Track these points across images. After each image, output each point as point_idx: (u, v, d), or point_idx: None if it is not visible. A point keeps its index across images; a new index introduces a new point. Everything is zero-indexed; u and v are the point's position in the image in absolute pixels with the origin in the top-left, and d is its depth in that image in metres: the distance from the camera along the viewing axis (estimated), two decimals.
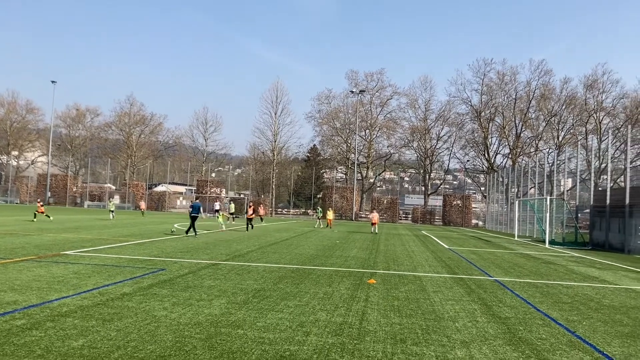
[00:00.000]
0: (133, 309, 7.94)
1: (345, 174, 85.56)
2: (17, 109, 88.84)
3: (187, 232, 24.38)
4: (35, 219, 30.83)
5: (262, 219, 49.36)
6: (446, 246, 25.71)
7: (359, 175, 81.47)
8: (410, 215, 75.02)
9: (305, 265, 14.73)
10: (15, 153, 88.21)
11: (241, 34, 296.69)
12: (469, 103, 78.18)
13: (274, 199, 77.04)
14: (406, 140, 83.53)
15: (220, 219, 30.87)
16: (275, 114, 78.03)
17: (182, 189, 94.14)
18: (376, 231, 34.61)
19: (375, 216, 35.75)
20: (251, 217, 31.60)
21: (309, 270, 13.53)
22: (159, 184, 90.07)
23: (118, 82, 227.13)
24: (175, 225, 30.98)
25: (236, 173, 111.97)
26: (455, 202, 68.45)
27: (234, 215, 44.83)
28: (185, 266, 13.22)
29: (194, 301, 8.80)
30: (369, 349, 6.46)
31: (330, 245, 22.14)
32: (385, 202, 70.28)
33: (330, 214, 40.70)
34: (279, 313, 8.19)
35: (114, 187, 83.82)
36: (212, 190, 70.62)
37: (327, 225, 41.05)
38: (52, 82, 72.41)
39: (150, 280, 10.68)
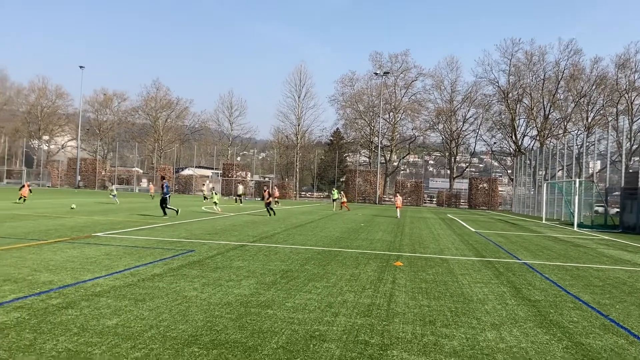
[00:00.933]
0: (164, 290, 8.09)
1: (369, 158, 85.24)
2: (47, 94, 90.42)
3: (164, 212, 24.18)
4: (20, 201, 29.87)
5: (277, 202, 48.60)
6: (473, 229, 25.52)
7: (383, 158, 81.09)
8: (435, 199, 74.55)
9: (331, 247, 14.79)
10: (46, 138, 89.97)
11: (263, 17, 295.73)
12: (496, 84, 77.02)
13: (297, 183, 77.30)
14: (431, 123, 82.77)
15: (215, 199, 29.71)
16: (298, 98, 78.04)
17: (208, 172, 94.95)
18: (398, 216, 33.31)
19: (399, 200, 34.81)
20: (269, 202, 29.60)
21: (335, 252, 13.59)
22: (185, 168, 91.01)
23: (144, 67, 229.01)
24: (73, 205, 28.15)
25: (260, 157, 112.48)
26: (481, 185, 67.74)
27: (241, 198, 44.79)
28: (213, 247, 13.38)
29: (223, 282, 8.91)
30: (398, 330, 6.47)
31: (355, 228, 22.16)
32: (409, 185, 69.92)
33: (335, 194, 40.83)
34: (307, 294, 8.26)
35: (141, 171, 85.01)
36: (237, 173, 71.11)
37: (341, 208, 40.62)
38: (80, 67, 73.42)
39: (179, 262, 10.84)
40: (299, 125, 78.84)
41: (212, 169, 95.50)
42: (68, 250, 11.67)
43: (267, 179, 75.46)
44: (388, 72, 77.80)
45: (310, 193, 79.30)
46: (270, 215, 28.10)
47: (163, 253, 12.01)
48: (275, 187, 53.18)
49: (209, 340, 5.66)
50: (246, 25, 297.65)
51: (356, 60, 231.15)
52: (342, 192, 42.15)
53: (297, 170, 78.40)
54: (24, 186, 31.30)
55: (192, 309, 6.98)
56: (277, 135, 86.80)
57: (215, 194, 30.77)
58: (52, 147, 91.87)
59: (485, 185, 67.76)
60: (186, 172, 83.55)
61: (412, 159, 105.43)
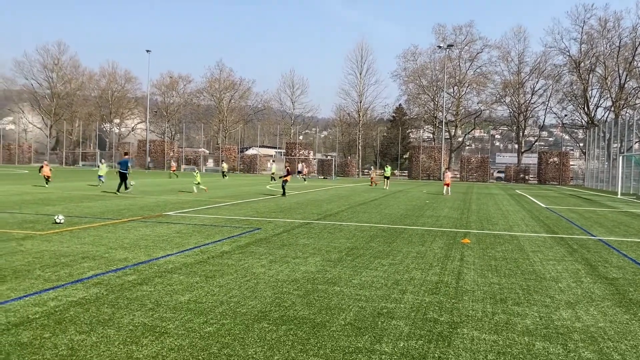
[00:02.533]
0: (233, 266, 8.26)
1: (433, 133, 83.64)
2: (117, 79, 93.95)
3: (117, 189, 23.39)
4: (47, 185, 27.49)
5: (305, 179, 47.60)
6: (543, 205, 24.63)
7: (447, 134, 79.33)
8: (502, 174, 72.42)
9: (396, 224, 14.65)
10: (117, 121, 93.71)
11: None
12: (567, 53, 73.26)
13: (360, 160, 77.03)
14: (498, 96, 80.00)
15: (197, 178, 26.71)
16: (360, 74, 77.32)
17: (272, 151, 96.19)
18: (449, 193, 30.47)
19: (448, 176, 32.07)
20: (286, 179, 26.12)
21: (400, 230, 13.46)
22: (250, 147, 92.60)
23: (207, 49, 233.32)
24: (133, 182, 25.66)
25: (322, 135, 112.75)
26: (551, 160, 65.18)
27: (273, 177, 44.70)
28: (279, 225, 13.56)
29: (290, 259, 9.01)
30: (468, 308, 6.33)
31: (420, 205, 21.86)
32: (474, 161, 68.21)
33: (387, 171, 37.63)
34: (373, 271, 8.22)
35: (207, 152, 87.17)
36: (300, 152, 71.65)
37: (371, 184, 40.42)
38: (147, 51, 75.55)
39: (247, 239, 11.05)
40: (360, 102, 78.27)
41: (276, 148, 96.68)
42: (141, 229, 12.14)
43: (329, 157, 75.60)
44: (452, 45, 75.64)
45: (367, 170, 78.89)
46: (284, 195, 24.95)
47: (231, 231, 12.28)
48: (303, 164, 53.05)
49: (277, 316, 5.73)
50: (307, 2, 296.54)
51: (419, 34, 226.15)
52: (372, 168, 41.14)
53: (360, 147, 78.07)
54: (42, 167, 28.69)
55: (260, 285, 7.10)
56: (338, 112, 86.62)
57: (196, 173, 27.53)
58: (122, 129, 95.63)
59: (555, 159, 65.15)
60: (250, 151, 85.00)
61: (477, 134, 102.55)
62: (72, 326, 5.21)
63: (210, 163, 78.18)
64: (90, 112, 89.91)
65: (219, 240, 10.76)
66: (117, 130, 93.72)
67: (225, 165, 49.04)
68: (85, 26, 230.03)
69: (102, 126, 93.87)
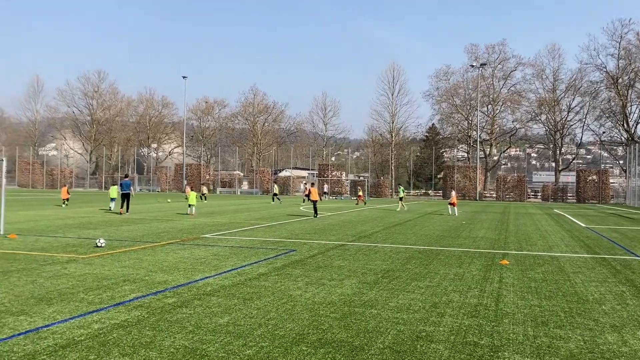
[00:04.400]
0: (270, 289, 8.32)
1: (467, 153, 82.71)
2: (154, 104, 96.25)
3: (126, 210, 25.25)
4: (64, 205, 31.26)
5: (321, 198, 46.65)
6: (583, 225, 24.03)
7: (482, 153, 78.39)
8: (539, 193, 70.94)
9: (432, 246, 14.52)
10: (154, 145, 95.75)
11: (354, 13, 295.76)
12: (604, 69, 71.82)
13: (393, 181, 76.65)
14: (533, 114, 78.76)
15: (191, 201, 25.95)
16: (392, 95, 77.42)
17: (304, 173, 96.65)
18: (456, 213, 29.45)
19: (453, 195, 31.22)
20: (315, 199, 26.48)
21: (436, 251, 13.33)
22: (283, 169, 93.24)
23: (241, 73, 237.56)
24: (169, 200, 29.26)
25: (354, 156, 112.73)
26: (590, 178, 63.57)
27: (277, 196, 45.14)
28: (314, 247, 13.60)
29: (325, 281, 9.03)
30: (509, 331, 6.23)
31: (456, 226, 21.61)
32: (511, 180, 67.10)
33: (401, 192, 36.38)
34: (410, 293, 8.16)
35: (242, 174, 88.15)
36: (333, 173, 71.81)
37: (357, 203, 42.37)
38: (183, 77, 77.37)
39: (283, 261, 11.12)
40: (393, 123, 78.20)
41: (308, 169, 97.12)
42: (179, 252, 12.35)
43: (362, 178, 75.52)
44: (485, 64, 75.11)
45: (406, 191, 78.37)
46: (315, 215, 25.54)
47: (266, 253, 12.38)
48: (324, 184, 52.97)
49: (315, 339, 5.75)
50: (336, 23, 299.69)
51: (451, 54, 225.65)
52: (359, 187, 41.13)
53: (392, 168, 77.77)
54: (64, 186, 33.53)
55: (297, 307, 7.13)
56: (371, 133, 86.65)
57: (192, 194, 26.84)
58: (160, 154, 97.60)
59: (594, 177, 63.53)
60: (284, 173, 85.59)
61: (513, 153, 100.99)
62: (115, 348, 5.33)
63: (245, 185, 78.96)
64: (128, 137, 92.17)
65: (255, 262, 10.86)
66: (154, 155, 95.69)
67: (276, 187, 48.45)
68: (123, 54, 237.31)
69: (140, 151, 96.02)
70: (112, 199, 28.74)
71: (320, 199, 45.27)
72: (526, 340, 5.90)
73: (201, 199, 46.36)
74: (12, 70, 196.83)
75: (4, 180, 16.76)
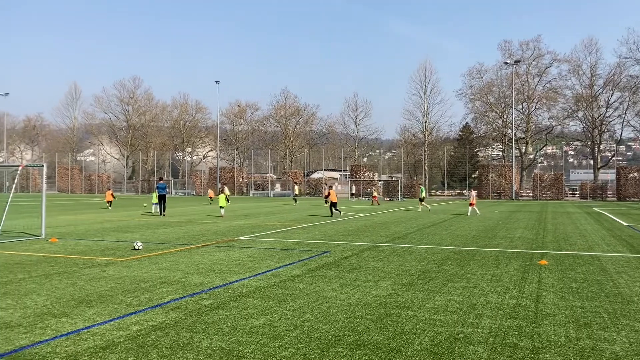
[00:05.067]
0: (304, 290, 8.32)
1: (502, 151, 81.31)
2: (188, 109, 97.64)
3: (161, 212, 26.81)
4: (109, 207, 34.13)
5: (326, 202, 47.16)
6: (624, 223, 23.34)
7: (517, 151, 76.96)
8: (577, 192, 69.28)
9: (468, 246, 14.31)
10: (188, 150, 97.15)
11: (384, 13, 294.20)
12: None
13: (427, 181, 75.95)
14: (570, 111, 76.95)
15: (221, 203, 26.53)
16: (424, 94, 76.66)
17: (336, 174, 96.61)
18: (477, 212, 29.10)
19: (473, 195, 30.72)
20: (334, 201, 27.24)
21: (472, 252, 13.13)
22: (315, 171, 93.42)
23: (272, 76, 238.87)
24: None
25: (387, 157, 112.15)
26: (631, 175, 61.73)
27: (295, 197, 45.38)
28: (347, 248, 13.55)
29: (360, 282, 8.98)
30: (550, 332, 6.07)
31: (492, 226, 21.25)
32: (548, 178, 65.70)
33: (422, 192, 35.79)
34: (447, 295, 8.05)
35: (274, 176, 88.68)
36: (365, 174, 71.59)
37: (372, 203, 43.10)
38: (216, 82, 78.31)
39: (317, 263, 11.11)
40: (425, 122, 77.46)
41: (340, 171, 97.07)
42: (214, 254, 12.46)
43: (394, 179, 75.05)
44: (519, 61, 73.77)
45: (440, 191, 77.50)
46: (331, 215, 26.63)
47: (300, 254, 12.39)
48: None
49: (352, 341, 5.71)
50: (366, 23, 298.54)
51: (483, 51, 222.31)
52: (373, 188, 40.88)
53: (426, 168, 77.06)
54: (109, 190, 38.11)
55: (332, 309, 7.10)
56: (403, 133, 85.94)
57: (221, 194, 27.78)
58: (194, 158, 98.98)
59: (635, 174, 61.66)
60: (315, 175, 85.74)
61: (549, 151, 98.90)
62: (153, 350, 5.39)
63: (278, 188, 79.37)
64: (163, 142, 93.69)
65: (289, 264, 10.88)
66: (189, 159, 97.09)
67: (296, 188, 48.57)
68: (158, 60, 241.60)
69: (175, 155, 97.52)
70: (155, 203, 29.49)
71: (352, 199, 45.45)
72: (568, 342, 5.74)
73: (210, 201, 46.60)
74: (52, 79, 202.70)
75: (44, 185, 17.23)
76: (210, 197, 49.32)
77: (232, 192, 77.60)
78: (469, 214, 28.45)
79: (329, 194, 28.30)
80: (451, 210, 33.80)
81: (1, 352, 5.31)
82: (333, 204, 27.21)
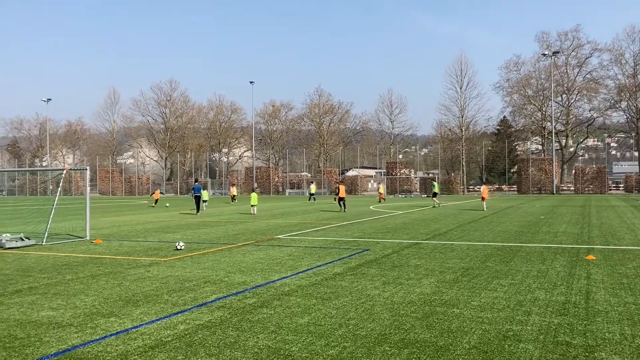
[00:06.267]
0: (347, 288, 8.28)
1: (542, 145, 79.51)
2: (224, 110, 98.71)
3: (197, 211, 28.00)
4: (154, 205, 39.20)
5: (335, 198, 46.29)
6: None
7: (558, 144, 75.15)
8: (622, 185, 67.23)
9: (511, 242, 14.03)
10: (225, 150, 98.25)
11: (417, 7, 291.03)
12: None
13: (464, 177, 74.90)
14: (612, 101, 74.66)
15: (253, 201, 28.05)
16: (460, 89, 75.55)
17: (372, 172, 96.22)
18: (484, 208, 28.91)
19: (485, 189, 30.80)
20: (343, 197, 29.15)
21: (516, 248, 12.86)
22: (350, 169, 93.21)
23: (306, 75, 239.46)
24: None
25: (423, 153, 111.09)
26: None
27: (313, 195, 45.28)
28: (387, 246, 13.45)
29: (403, 280, 8.89)
30: (603, 330, 5.88)
31: (535, 221, 20.79)
32: (590, 172, 63.95)
33: (435, 187, 35.59)
34: (492, 292, 7.89)
35: (309, 175, 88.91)
36: (401, 171, 71.05)
37: (379, 201, 43.51)
38: (250, 82, 78.84)
39: (357, 261, 11.06)
40: (462, 117, 76.36)
41: (376, 168, 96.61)
42: (255, 253, 12.55)
43: (431, 175, 74.28)
44: (558, 52, 71.96)
45: (478, 187, 76.29)
46: (341, 210, 28.71)
47: (340, 253, 12.36)
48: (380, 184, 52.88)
49: (398, 339, 5.65)
50: (399, 19, 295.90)
51: (520, 43, 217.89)
52: (379, 184, 40.70)
53: (463, 163, 75.99)
54: (154, 193, 43.43)
55: (376, 307, 7.05)
56: (439, 129, 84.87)
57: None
58: (230, 158, 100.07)
59: None
60: (351, 173, 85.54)
61: (591, 143, 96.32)
62: (201, 349, 5.44)
63: (313, 186, 79.58)
64: (200, 144, 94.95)
65: (330, 262, 10.86)
66: (225, 159, 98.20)
67: (313, 187, 48.03)
68: (193, 63, 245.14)
69: (212, 156, 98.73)
70: (204, 201, 32.10)
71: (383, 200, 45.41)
72: (624, 340, 5.54)
73: (233, 200, 46.43)
74: (92, 84, 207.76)
75: (88, 188, 17.68)
76: (232, 195, 48.26)
77: (269, 192, 78.30)
78: (484, 209, 28.48)
79: (338, 189, 30.00)
80: (492, 206, 33.22)
81: (55, 351, 5.45)
82: (341, 199, 29.10)
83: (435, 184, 36.46)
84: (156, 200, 41.52)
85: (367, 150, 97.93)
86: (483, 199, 30.03)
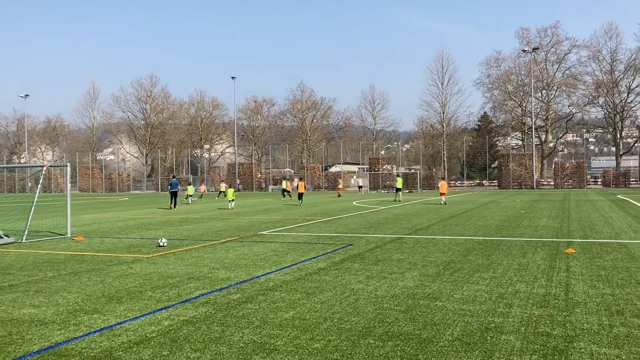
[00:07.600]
0: (331, 283, 8.33)
1: (522, 140, 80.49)
2: (205, 106, 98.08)
3: (174, 205, 29.91)
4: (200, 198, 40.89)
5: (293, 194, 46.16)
6: None
7: (537, 140, 76.08)
8: (600, 180, 68.35)
9: (492, 236, 14.20)
10: (206, 146, 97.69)
11: (397, 2, 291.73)
12: None
13: (446, 172, 75.51)
14: (590, 97, 75.74)
15: (229, 196, 29.22)
16: (441, 85, 76.24)
17: (354, 168, 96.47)
18: (443, 201, 30.01)
19: (444, 185, 31.63)
20: (301, 192, 32.04)
21: (497, 242, 13.03)
22: (333, 165, 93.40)
23: (288, 70, 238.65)
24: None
25: (405, 149, 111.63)
26: None
27: (288, 192, 45.44)
28: (371, 241, 13.54)
29: (386, 274, 8.97)
30: (582, 320, 6.01)
31: (515, 216, 21.07)
32: (569, 167, 64.86)
33: (399, 182, 35.69)
34: (474, 285, 8.00)
35: (292, 171, 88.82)
36: (383, 167, 71.36)
37: (339, 195, 45.73)
38: (232, 78, 78.41)
39: (341, 255, 11.12)
40: (443, 113, 76.94)
41: (358, 164, 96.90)
42: (239, 249, 12.54)
43: (413, 171, 74.69)
44: (537, 48, 72.72)
45: (459, 182, 76.92)
46: (299, 203, 31.43)
47: (324, 248, 12.41)
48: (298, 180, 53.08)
49: (382, 332, 5.71)
50: (380, 14, 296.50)
51: (500, 39, 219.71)
52: (339, 179, 42.08)
53: (445, 159, 76.58)
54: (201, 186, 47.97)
55: (360, 301, 7.11)
56: (421, 125, 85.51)
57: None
58: (212, 154, 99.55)
59: None
60: (334, 169, 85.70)
61: (570, 138, 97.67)
62: (186, 344, 5.45)
63: (296, 182, 79.60)
64: (181, 140, 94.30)
65: (314, 257, 10.90)
66: (207, 156, 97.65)
67: (285, 183, 47.77)
68: (174, 58, 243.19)
69: (193, 152, 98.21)
70: (190, 196, 37.62)
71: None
72: (602, 330, 5.67)
73: (218, 196, 47.05)
74: (70, 79, 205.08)
75: (68, 185, 17.47)
76: (202, 193, 52.13)
77: (251, 188, 78.15)
78: (442, 203, 29.75)
79: (298, 185, 32.61)
80: (473, 201, 33.56)
81: (38, 349, 5.41)
82: (300, 195, 31.84)
83: (399, 179, 36.80)
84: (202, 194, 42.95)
85: (349, 147, 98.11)
86: (442, 194, 30.88)
